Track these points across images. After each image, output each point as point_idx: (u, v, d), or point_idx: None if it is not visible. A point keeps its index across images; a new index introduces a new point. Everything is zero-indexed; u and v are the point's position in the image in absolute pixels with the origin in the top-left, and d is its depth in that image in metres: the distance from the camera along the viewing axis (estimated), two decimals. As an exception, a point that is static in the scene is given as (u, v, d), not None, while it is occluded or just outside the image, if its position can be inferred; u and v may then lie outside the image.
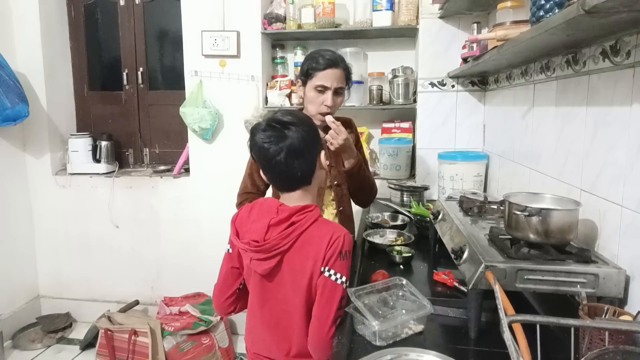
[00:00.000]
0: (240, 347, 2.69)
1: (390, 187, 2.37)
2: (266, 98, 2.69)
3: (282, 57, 2.82)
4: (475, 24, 2.03)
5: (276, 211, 1.11)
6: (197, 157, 2.81)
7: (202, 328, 2.50)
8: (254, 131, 1.12)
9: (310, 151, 1.11)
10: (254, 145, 1.12)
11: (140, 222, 2.94)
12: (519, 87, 1.82)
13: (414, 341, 1.07)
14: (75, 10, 3.07)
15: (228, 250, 1.22)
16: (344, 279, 1.08)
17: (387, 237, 1.85)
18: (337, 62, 1.58)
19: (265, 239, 1.08)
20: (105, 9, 3.07)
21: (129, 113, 3.11)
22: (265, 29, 2.62)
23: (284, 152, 1.07)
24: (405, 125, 2.66)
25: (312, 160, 1.12)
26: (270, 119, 1.11)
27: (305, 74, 1.59)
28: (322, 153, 1.14)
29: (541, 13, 1.08)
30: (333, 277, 1.07)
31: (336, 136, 1.50)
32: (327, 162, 1.14)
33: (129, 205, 2.93)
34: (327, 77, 1.55)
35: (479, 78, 2.40)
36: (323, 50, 1.62)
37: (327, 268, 1.07)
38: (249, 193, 1.63)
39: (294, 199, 1.15)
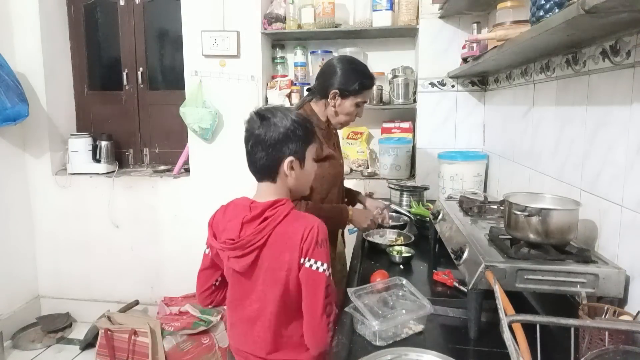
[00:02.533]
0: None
1: (390, 187, 2.37)
2: (266, 98, 2.69)
3: (282, 57, 2.82)
4: (475, 24, 2.03)
5: (249, 209, 1.14)
6: (197, 157, 2.81)
7: (202, 328, 2.50)
8: (249, 115, 1.18)
9: (274, 149, 1.12)
10: (245, 126, 1.19)
11: (140, 222, 2.94)
12: (519, 87, 1.82)
13: (414, 341, 1.07)
14: (75, 10, 3.07)
15: (205, 251, 1.27)
16: (325, 266, 1.10)
17: (387, 237, 1.85)
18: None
19: (240, 236, 1.11)
20: (105, 9, 3.08)
21: (129, 113, 3.11)
22: (265, 29, 2.62)
23: (252, 140, 1.14)
24: (405, 125, 2.66)
25: (274, 159, 1.13)
26: (259, 108, 1.17)
27: (354, 91, 1.60)
28: (288, 160, 1.13)
29: (541, 13, 1.08)
30: (314, 267, 1.09)
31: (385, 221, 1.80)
32: (293, 174, 1.16)
33: (129, 205, 2.93)
34: (370, 93, 1.69)
35: (479, 78, 2.40)
36: (364, 66, 1.67)
37: (307, 259, 1.09)
38: (295, 200, 1.61)
39: (264, 194, 1.17)
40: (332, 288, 1.13)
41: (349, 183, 2.29)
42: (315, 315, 1.10)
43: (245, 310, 1.18)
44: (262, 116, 1.13)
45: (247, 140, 1.16)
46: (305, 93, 2.61)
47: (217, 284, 1.29)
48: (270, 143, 1.11)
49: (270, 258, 1.11)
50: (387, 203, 1.94)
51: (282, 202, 1.13)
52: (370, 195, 2.52)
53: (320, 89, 1.65)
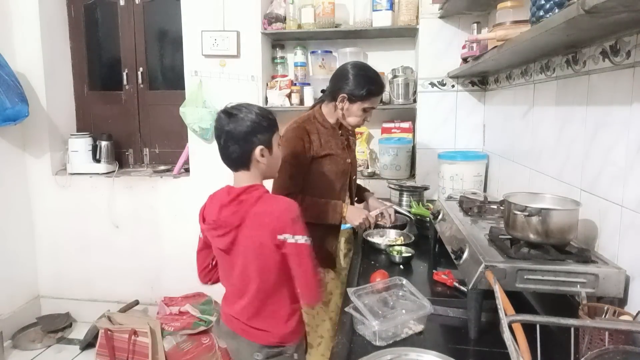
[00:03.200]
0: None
1: (390, 187, 2.37)
2: (266, 98, 2.69)
3: (282, 57, 2.82)
4: (475, 24, 2.03)
5: (227, 193, 1.28)
6: (197, 157, 2.81)
7: (202, 328, 2.51)
8: (217, 114, 1.30)
9: (245, 141, 1.24)
10: (214, 124, 1.31)
11: (140, 222, 2.94)
12: (519, 87, 1.82)
13: (414, 341, 1.07)
14: (75, 10, 3.07)
15: (200, 235, 1.41)
16: (304, 238, 1.23)
17: (387, 237, 1.85)
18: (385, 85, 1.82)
19: (220, 218, 1.26)
20: (105, 9, 3.07)
21: (129, 113, 3.11)
22: (265, 29, 2.62)
23: (223, 135, 1.25)
24: (405, 125, 2.66)
25: (246, 150, 1.25)
26: (226, 107, 1.29)
27: (362, 97, 1.64)
28: (259, 148, 1.25)
29: (541, 13, 1.08)
30: (297, 240, 1.22)
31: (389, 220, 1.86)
32: (264, 160, 1.27)
33: (129, 205, 2.93)
34: (378, 99, 1.71)
35: (479, 78, 2.40)
36: (374, 72, 1.70)
37: (286, 235, 1.21)
38: (292, 194, 1.65)
39: (241, 181, 1.29)
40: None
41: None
42: (309, 279, 1.25)
43: (233, 283, 1.34)
44: (229, 114, 1.25)
45: (218, 137, 1.27)
46: (305, 93, 2.65)
47: (214, 263, 1.43)
48: (241, 136, 1.24)
49: (248, 237, 1.24)
50: (389, 204, 1.95)
51: (255, 188, 1.27)
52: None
53: (331, 92, 1.71)
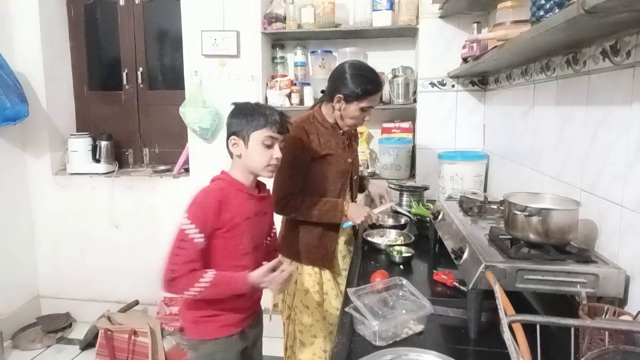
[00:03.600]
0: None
1: (390, 187, 2.37)
2: (266, 98, 2.69)
3: (282, 57, 2.82)
4: (475, 24, 2.03)
5: None
6: (197, 157, 2.81)
7: (202, 328, 2.50)
8: None
9: (228, 132, 1.39)
10: None
11: (140, 222, 2.94)
12: (519, 87, 1.82)
13: (414, 341, 1.07)
14: (75, 10, 3.07)
15: None
16: (189, 222, 1.32)
17: (387, 237, 1.85)
18: (383, 84, 1.80)
19: None
20: (105, 9, 3.07)
21: (129, 113, 3.11)
22: (265, 28, 2.62)
23: None
24: (405, 125, 2.66)
25: (227, 138, 1.40)
26: (240, 102, 1.43)
27: (358, 97, 1.62)
28: (230, 139, 1.37)
29: (541, 13, 1.08)
30: (181, 219, 1.33)
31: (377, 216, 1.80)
32: (236, 151, 1.38)
33: (129, 205, 2.93)
34: (376, 98, 1.69)
35: (479, 78, 2.40)
36: (371, 71, 1.68)
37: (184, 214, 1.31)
38: (293, 194, 1.67)
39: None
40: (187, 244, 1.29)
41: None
42: (166, 259, 1.32)
43: None
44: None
45: None
46: (305, 93, 2.65)
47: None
48: (228, 128, 1.39)
49: None
50: (385, 184, 1.95)
51: (222, 173, 1.44)
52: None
53: (328, 93, 1.70)
